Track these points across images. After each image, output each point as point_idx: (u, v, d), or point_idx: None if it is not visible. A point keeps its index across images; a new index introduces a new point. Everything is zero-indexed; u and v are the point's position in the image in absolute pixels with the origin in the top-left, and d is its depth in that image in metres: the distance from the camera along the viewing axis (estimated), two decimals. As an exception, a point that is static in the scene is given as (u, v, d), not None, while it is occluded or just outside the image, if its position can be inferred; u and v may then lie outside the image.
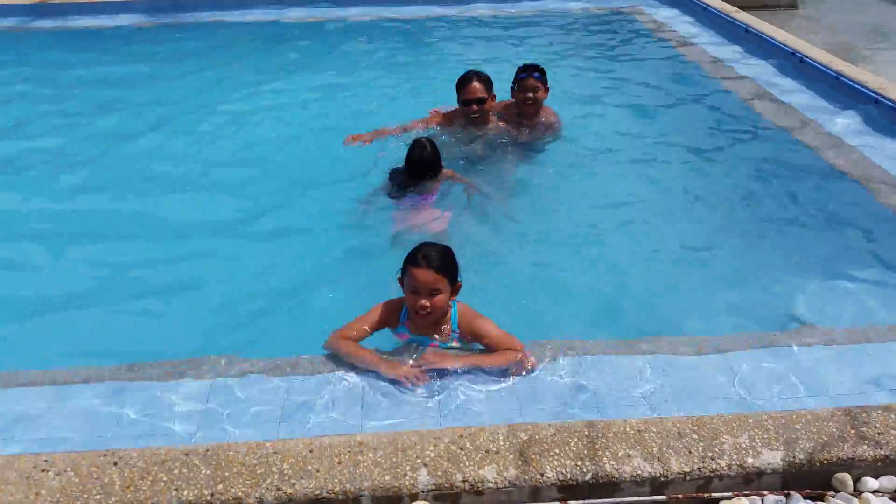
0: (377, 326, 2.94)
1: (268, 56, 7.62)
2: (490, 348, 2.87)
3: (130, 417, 2.60)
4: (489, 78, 4.86)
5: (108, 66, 7.29)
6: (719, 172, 4.92)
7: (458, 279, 2.91)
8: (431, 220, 4.20)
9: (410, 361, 2.78)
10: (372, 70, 7.06)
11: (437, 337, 2.94)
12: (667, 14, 8.85)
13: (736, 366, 2.88)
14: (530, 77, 4.86)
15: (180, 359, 2.93)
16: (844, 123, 5.40)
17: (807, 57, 6.43)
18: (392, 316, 2.96)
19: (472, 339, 2.96)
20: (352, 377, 2.78)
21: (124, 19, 8.93)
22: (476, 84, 4.76)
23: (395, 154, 4.70)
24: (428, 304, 2.77)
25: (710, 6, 8.41)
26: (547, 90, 4.99)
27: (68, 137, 5.59)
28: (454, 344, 2.95)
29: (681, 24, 8.42)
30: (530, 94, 4.89)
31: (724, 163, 5.05)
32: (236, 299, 3.60)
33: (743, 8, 8.55)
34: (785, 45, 6.80)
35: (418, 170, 4.31)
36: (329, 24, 8.73)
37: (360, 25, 8.68)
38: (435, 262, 2.77)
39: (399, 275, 2.91)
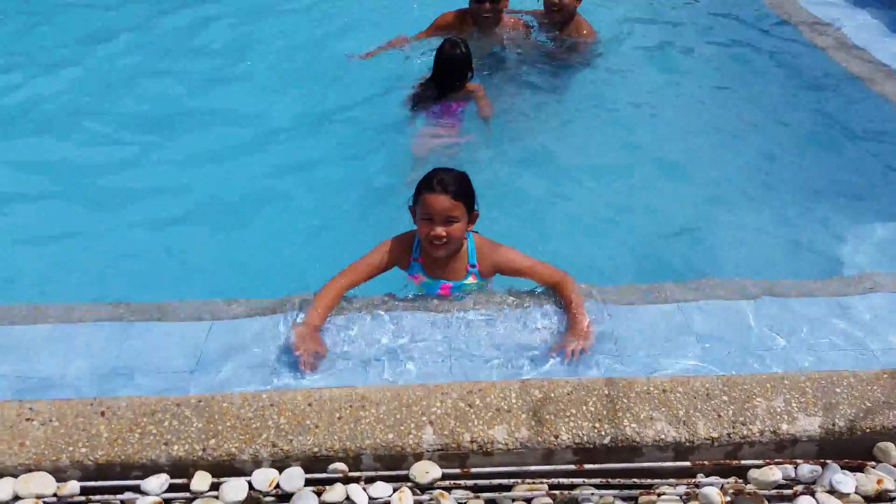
0: (385, 266, 2.71)
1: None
2: (537, 280, 2.68)
3: (125, 359, 2.46)
4: None
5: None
6: (779, 115, 4.51)
7: (476, 207, 2.66)
8: (450, 140, 3.93)
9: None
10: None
11: (450, 277, 2.73)
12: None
13: (780, 314, 2.64)
14: None
15: (181, 298, 2.78)
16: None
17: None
18: (403, 252, 2.73)
19: (493, 273, 2.76)
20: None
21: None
22: None
23: (406, 68, 4.36)
24: (444, 232, 2.53)
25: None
26: None
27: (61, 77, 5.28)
28: (471, 280, 2.74)
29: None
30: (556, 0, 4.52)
31: (787, 106, 4.60)
32: (242, 238, 3.44)
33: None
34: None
35: (449, 71, 3.98)
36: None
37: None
38: (451, 186, 2.53)
39: (410, 203, 2.66)
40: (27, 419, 2.13)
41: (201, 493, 2.02)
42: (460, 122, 4.08)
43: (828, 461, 2.12)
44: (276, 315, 2.61)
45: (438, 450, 2.09)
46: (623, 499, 2.04)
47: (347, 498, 2.00)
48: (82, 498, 2.01)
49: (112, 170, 3.99)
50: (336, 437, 2.10)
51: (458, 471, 2.08)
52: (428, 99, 4.12)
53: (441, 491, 2.04)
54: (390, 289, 2.77)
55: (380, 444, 2.09)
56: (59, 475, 2.05)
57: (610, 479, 2.07)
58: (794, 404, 2.19)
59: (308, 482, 2.04)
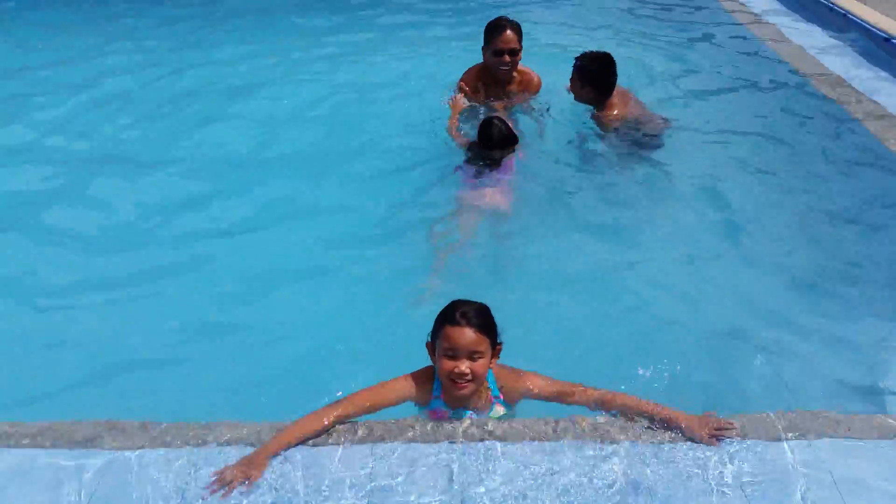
0: (395, 402, 2.45)
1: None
2: (565, 401, 2.46)
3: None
4: (521, 28, 4.49)
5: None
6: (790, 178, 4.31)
7: (499, 340, 2.44)
8: (502, 197, 4.04)
9: None
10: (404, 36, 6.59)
11: (476, 408, 2.48)
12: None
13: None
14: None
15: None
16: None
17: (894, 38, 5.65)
18: (421, 390, 2.47)
19: (520, 398, 2.53)
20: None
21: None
22: (510, 33, 4.41)
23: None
24: (468, 369, 2.31)
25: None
26: (583, 86, 4.49)
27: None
28: (499, 409, 2.51)
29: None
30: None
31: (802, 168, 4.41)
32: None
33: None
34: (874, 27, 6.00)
35: (501, 148, 4.16)
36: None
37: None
38: (475, 320, 2.33)
39: (429, 339, 2.43)
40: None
41: None
42: (513, 172, 4.20)
43: None
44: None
45: None
46: None
47: None
48: None
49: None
50: None
51: None
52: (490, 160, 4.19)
53: None
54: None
55: None
56: None
57: None
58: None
59: None
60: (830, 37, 6.39)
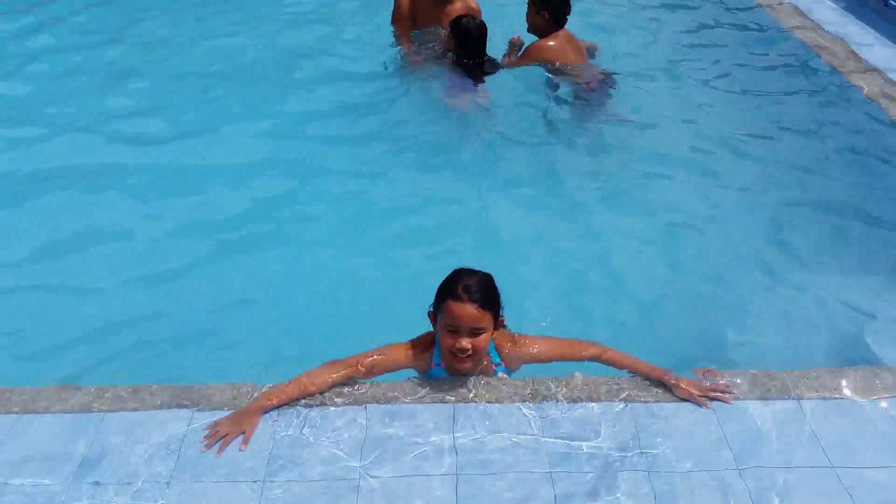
0: (394, 368, 2.45)
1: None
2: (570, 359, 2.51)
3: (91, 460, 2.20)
4: None
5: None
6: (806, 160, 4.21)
7: (501, 313, 2.41)
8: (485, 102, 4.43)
9: None
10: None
11: (477, 376, 2.49)
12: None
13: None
14: None
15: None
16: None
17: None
18: (421, 358, 2.48)
19: (521, 364, 2.55)
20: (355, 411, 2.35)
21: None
22: None
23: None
24: (470, 346, 2.29)
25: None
26: (540, 10, 4.48)
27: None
28: (501, 377, 2.52)
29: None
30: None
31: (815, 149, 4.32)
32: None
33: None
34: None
35: (482, 43, 4.48)
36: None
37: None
38: (477, 294, 2.27)
39: (430, 308, 2.41)
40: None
41: None
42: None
43: None
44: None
45: None
46: None
47: None
48: None
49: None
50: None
51: None
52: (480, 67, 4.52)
53: None
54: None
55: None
56: None
57: None
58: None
59: None
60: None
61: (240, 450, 2.22)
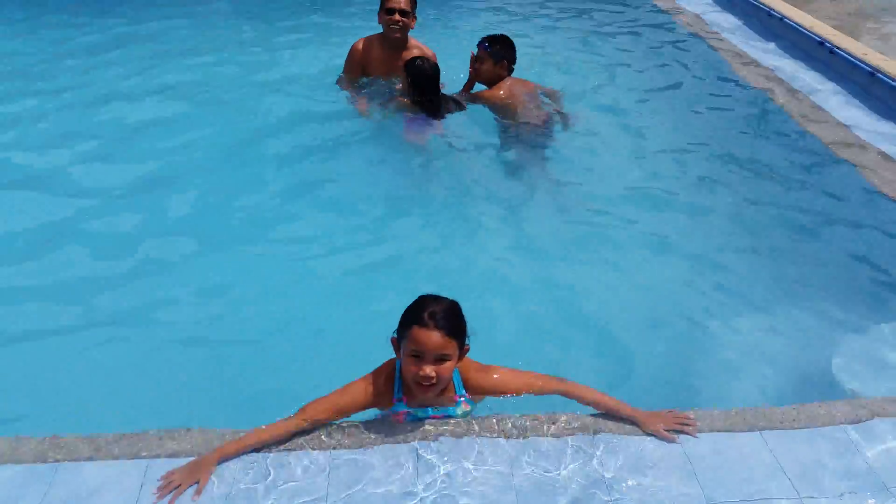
0: (357, 409, 2.40)
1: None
2: (533, 393, 2.48)
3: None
4: None
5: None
6: (732, 182, 4.39)
7: (467, 341, 2.37)
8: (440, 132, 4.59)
9: None
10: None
11: (438, 406, 2.46)
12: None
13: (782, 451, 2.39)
14: (479, 46, 4.75)
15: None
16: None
17: (837, 48, 5.86)
18: (383, 391, 2.41)
19: (485, 395, 2.52)
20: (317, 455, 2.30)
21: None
22: None
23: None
24: (434, 374, 2.24)
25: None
26: (500, 63, 4.72)
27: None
28: (464, 407, 2.48)
29: (696, 4, 7.81)
30: (476, 64, 4.77)
31: (741, 172, 4.51)
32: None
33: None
34: (812, 34, 6.22)
35: (435, 84, 4.62)
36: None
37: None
38: (443, 322, 2.23)
39: (394, 334, 2.37)
40: None
41: None
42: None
43: None
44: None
45: None
46: None
47: None
48: None
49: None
50: None
51: None
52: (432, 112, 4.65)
53: None
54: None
55: None
56: None
57: None
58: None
59: None
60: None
61: (192, 500, 2.15)
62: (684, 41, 6.70)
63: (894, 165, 4.41)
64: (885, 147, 4.63)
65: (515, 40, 4.81)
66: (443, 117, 4.63)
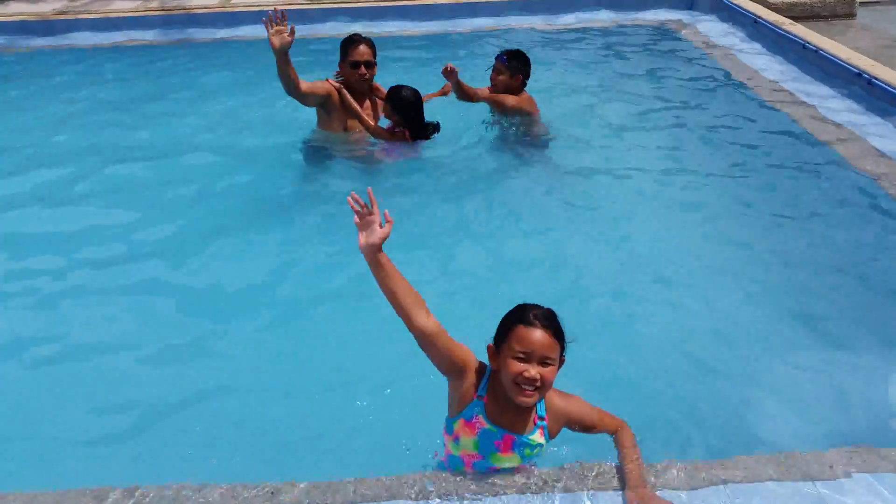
0: (459, 361, 2.30)
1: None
2: (596, 432, 2.42)
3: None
4: (373, 44, 4.89)
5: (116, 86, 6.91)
6: (769, 221, 4.24)
7: (563, 354, 2.27)
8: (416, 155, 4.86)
9: None
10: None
11: (514, 430, 2.32)
12: (712, 27, 8.19)
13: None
14: (497, 59, 5.08)
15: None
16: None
17: (876, 79, 5.75)
18: (474, 377, 2.32)
19: (560, 429, 2.41)
20: None
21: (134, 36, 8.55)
22: (364, 47, 4.78)
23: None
24: (539, 375, 2.16)
25: (760, 18, 7.72)
26: (514, 76, 5.04)
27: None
28: (538, 436, 2.34)
29: (729, 37, 7.76)
30: (493, 75, 5.09)
31: (778, 207, 4.37)
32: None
33: (796, 19, 7.88)
34: (849, 65, 6.12)
35: (420, 110, 4.83)
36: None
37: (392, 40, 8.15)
38: (549, 323, 2.19)
39: (491, 342, 2.30)
40: None
41: None
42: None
43: None
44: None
45: None
46: None
47: None
48: None
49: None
50: None
51: None
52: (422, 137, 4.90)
53: None
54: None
55: None
56: None
57: None
58: None
59: None
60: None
61: None
62: (714, 78, 6.63)
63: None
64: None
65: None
66: (427, 138, 4.86)
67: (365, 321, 3.33)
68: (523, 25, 8.54)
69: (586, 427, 2.42)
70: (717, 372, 3.08)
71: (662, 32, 8.21)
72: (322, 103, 4.83)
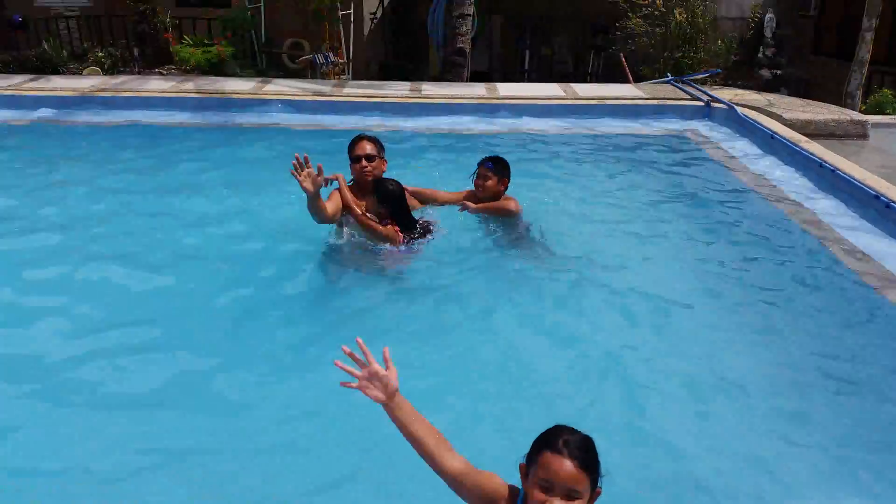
0: (488, 493, 2.25)
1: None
2: None
3: None
4: (380, 141, 5.06)
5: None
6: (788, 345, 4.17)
7: (599, 484, 2.18)
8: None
9: None
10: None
11: None
12: (726, 139, 8.41)
13: None
14: (483, 166, 5.23)
15: None
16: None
17: (893, 202, 5.84)
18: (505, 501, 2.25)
19: None
20: None
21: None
22: (365, 142, 4.96)
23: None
24: None
25: (777, 134, 7.93)
26: (501, 181, 5.22)
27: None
28: None
29: (744, 153, 7.95)
30: (479, 181, 5.24)
31: (797, 332, 4.31)
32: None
33: (811, 137, 8.09)
34: (865, 186, 6.23)
35: (398, 194, 4.85)
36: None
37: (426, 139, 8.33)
38: (579, 452, 2.09)
39: (524, 460, 2.23)
40: None
41: None
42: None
43: None
44: None
45: None
46: None
47: None
48: None
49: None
50: None
51: None
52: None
53: None
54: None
55: None
56: None
57: None
58: None
59: None
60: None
61: None
62: (738, 194, 6.71)
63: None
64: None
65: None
66: (410, 242, 4.86)
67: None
68: (533, 129, 8.73)
69: None
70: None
71: (679, 139, 8.43)
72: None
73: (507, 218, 5.30)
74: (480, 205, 5.24)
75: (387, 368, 2.25)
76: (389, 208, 4.83)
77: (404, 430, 2.23)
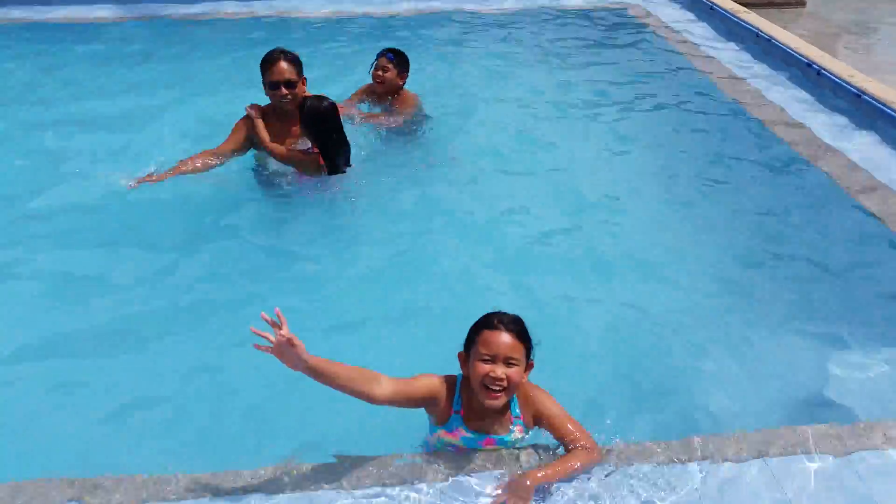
0: (423, 396, 2.43)
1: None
2: (557, 437, 2.45)
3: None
4: (299, 58, 4.33)
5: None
6: (722, 202, 4.42)
7: (532, 357, 2.42)
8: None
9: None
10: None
11: (494, 431, 2.46)
12: (668, 13, 8.33)
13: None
14: (384, 56, 4.96)
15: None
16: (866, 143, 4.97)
17: (824, 69, 5.97)
18: (445, 396, 2.44)
19: (536, 424, 2.49)
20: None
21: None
22: (283, 64, 4.21)
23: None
24: (504, 375, 2.30)
25: (716, 5, 7.89)
26: (401, 74, 4.99)
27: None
28: (517, 434, 2.46)
29: (684, 24, 7.91)
30: (378, 72, 4.95)
31: (731, 192, 4.54)
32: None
33: (749, 6, 8.08)
34: (799, 55, 6.33)
35: (335, 124, 4.20)
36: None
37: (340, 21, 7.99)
38: (513, 326, 2.35)
39: (462, 350, 2.44)
40: None
41: None
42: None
43: None
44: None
45: None
46: None
47: None
48: None
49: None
50: None
51: None
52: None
53: None
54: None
55: None
56: None
57: None
58: None
59: None
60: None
61: None
62: (676, 67, 6.73)
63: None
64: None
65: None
66: (342, 171, 4.28)
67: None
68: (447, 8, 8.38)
69: (553, 426, 2.45)
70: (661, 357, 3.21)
71: (619, 16, 8.32)
72: (252, 142, 4.40)
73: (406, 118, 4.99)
74: (368, 114, 4.94)
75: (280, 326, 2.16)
76: (313, 133, 4.17)
77: (329, 383, 2.24)
